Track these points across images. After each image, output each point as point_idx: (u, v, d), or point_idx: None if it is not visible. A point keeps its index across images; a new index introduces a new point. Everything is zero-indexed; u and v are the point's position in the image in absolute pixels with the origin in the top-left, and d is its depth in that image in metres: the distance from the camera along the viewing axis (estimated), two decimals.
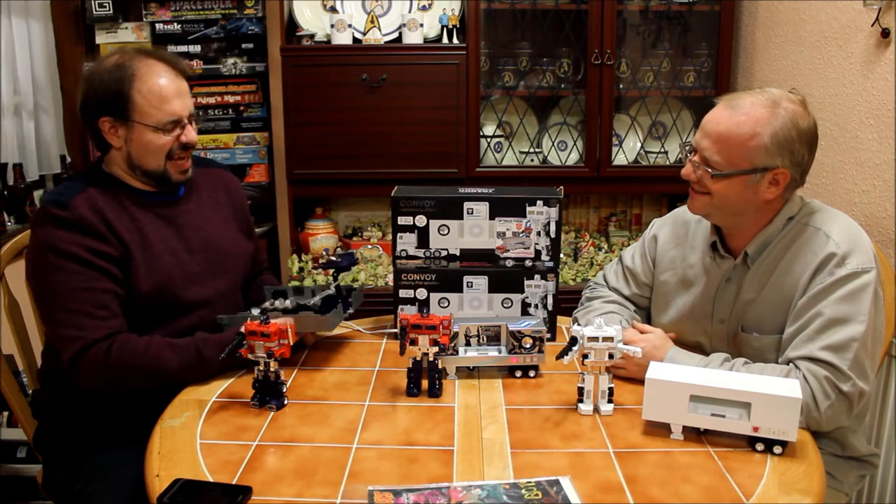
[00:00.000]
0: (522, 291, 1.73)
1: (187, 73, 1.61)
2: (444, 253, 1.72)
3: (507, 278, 1.72)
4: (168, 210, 1.64)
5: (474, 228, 1.71)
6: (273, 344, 1.37)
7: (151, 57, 1.56)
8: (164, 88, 1.54)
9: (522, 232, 1.70)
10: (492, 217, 1.70)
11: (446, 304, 1.74)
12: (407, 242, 1.72)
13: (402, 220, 1.71)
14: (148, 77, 1.53)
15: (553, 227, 1.69)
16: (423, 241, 1.72)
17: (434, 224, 1.71)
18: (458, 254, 1.72)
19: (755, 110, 1.40)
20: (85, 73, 1.59)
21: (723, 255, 1.55)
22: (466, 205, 1.69)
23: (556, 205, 1.68)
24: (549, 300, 1.74)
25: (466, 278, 1.73)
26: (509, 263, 1.72)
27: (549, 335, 1.74)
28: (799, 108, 1.41)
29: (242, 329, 1.38)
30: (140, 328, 1.53)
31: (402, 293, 1.74)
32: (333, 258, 1.47)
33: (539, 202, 1.68)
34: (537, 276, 1.72)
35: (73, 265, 1.47)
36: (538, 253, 1.71)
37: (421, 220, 1.70)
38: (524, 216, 1.69)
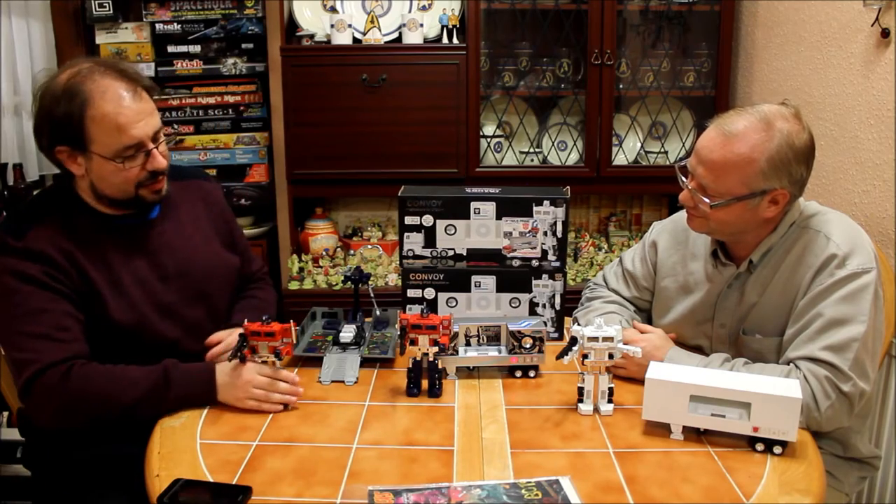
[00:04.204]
0: (530, 291, 1.74)
1: (150, 88, 1.44)
2: (450, 252, 1.73)
3: (514, 278, 1.73)
4: (140, 234, 1.51)
5: (481, 228, 1.71)
6: (277, 343, 1.37)
7: (106, 75, 1.38)
8: (120, 114, 1.37)
9: (529, 232, 1.70)
10: (498, 217, 1.70)
11: (454, 304, 1.75)
12: (414, 242, 1.72)
13: (409, 220, 1.71)
14: (101, 102, 1.36)
15: (560, 227, 1.70)
16: (430, 240, 1.72)
17: (441, 224, 1.71)
18: (464, 253, 1.73)
19: (749, 135, 1.38)
20: (36, 92, 1.40)
21: (724, 262, 1.55)
22: (473, 205, 1.69)
23: (562, 205, 1.69)
24: (557, 300, 1.74)
25: (474, 278, 1.73)
26: (516, 263, 1.72)
27: (556, 334, 1.75)
28: (794, 125, 1.39)
29: (241, 330, 1.38)
30: (115, 363, 1.41)
31: (410, 293, 1.74)
32: (348, 273, 1.48)
33: (546, 202, 1.68)
34: (545, 276, 1.73)
35: (30, 287, 1.36)
36: (545, 253, 1.71)
37: (428, 220, 1.71)
38: (531, 216, 1.69)
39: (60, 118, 1.36)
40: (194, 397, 1.39)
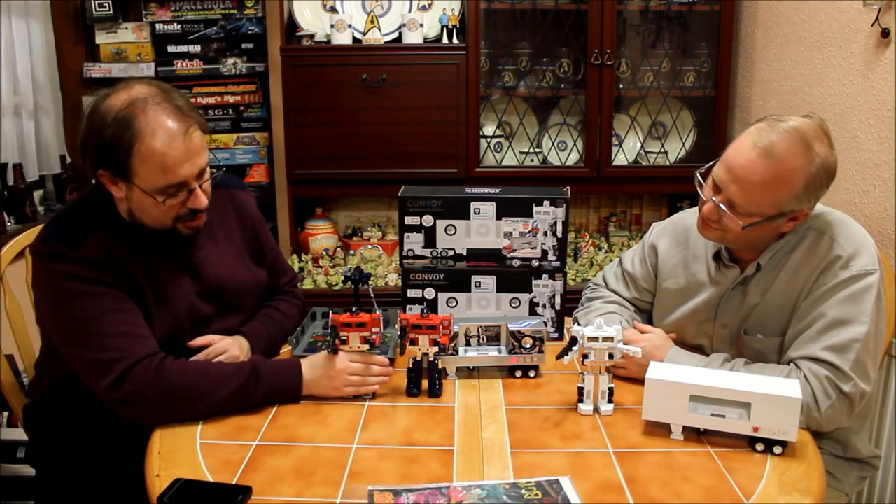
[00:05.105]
0: (530, 291, 1.74)
1: (202, 125, 1.41)
2: (450, 253, 1.73)
3: (514, 278, 1.73)
4: (181, 250, 1.50)
5: (481, 228, 1.71)
6: (368, 333, 1.40)
7: (160, 111, 1.33)
8: (167, 154, 1.33)
9: (529, 232, 1.70)
10: (498, 217, 1.70)
11: (454, 304, 1.75)
12: (414, 242, 1.72)
13: (409, 220, 1.71)
14: (151, 140, 1.32)
15: (560, 227, 1.70)
16: (430, 240, 1.72)
17: (441, 224, 1.71)
18: (464, 253, 1.73)
19: (792, 160, 1.35)
20: (88, 107, 1.38)
21: (727, 264, 1.54)
22: (473, 205, 1.70)
23: (562, 205, 1.69)
24: (557, 300, 1.74)
25: (475, 278, 1.73)
26: (516, 263, 1.73)
27: (556, 334, 1.75)
28: (826, 146, 1.37)
29: (331, 322, 1.41)
30: None
31: (411, 293, 1.74)
32: (348, 273, 1.47)
33: (546, 202, 1.69)
34: (545, 276, 1.73)
35: (100, 288, 1.35)
36: (545, 253, 1.72)
37: (428, 220, 1.71)
38: (531, 216, 1.70)
39: (107, 145, 1.33)
40: (282, 394, 1.41)
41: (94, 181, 1.45)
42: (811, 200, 1.39)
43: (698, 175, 1.49)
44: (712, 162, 1.47)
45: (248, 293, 1.63)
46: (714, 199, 1.42)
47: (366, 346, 1.42)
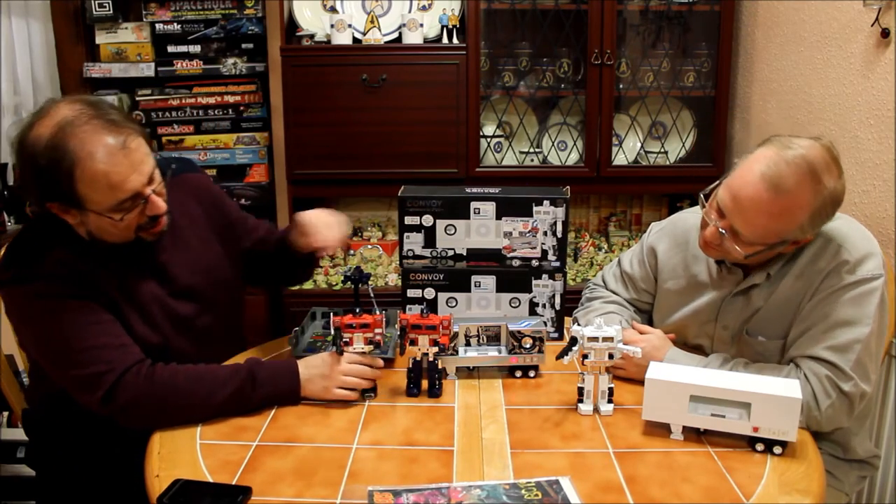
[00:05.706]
0: (530, 291, 1.74)
1: (138, 130, 1.34)
2: (450, 252, 1.73)
3: (514, 278, 1.73)
4: (146, 254, 1.45)
5: (481, 228, 1.71)
6: (372, 334, 1.40)
7: (90, 129, 1.26)
8: (111, 173, 1.27)
9: (529, 232, 1.70)
10: (498, 217, 1.70)
11: (454, 304, 1.75)
12: (414, 242, 1.72)
13: (408, 220, 1.71)
14: (90, 162, 1.26)
15: (560, 227, 1.70)
16: (430, 240, 1.72)
17: (441, 224, 1.71)
18: (464, 253, 1.73)
19: (800, 194, 1.31)
20: (14, 140, 1.30)
21: (730, 267, 1.53)
22: (473, 204, 1.70)
23: (562, 205, 1.69)
24: (557, 300, 1.74)
25: (474, 278, 1.73)
26: (516, 263, 1.73)
27: (556, 334, 1.75)
28: (835, 177, 1.34)
29: (334, 324, 1.42)
30: None
31: (411, 293, 1.74)
32: (348, 273, 1.46)
33: (546, 202, 1.69)
34: (545, 276, 1.73)
35: (72, 302, 1.32)
36: (545, 253, 1.72)
37: (428, 220, 1.71)
38: (531, 216, 1.70)
39: (47, 178, 1.27)
40: (279, 396, 1.40)
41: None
42: (815, 229, 1.39)
43: (701, 196, 1.47)
44: (716, 182, 1.44)
45: (220, 282, 1.59)
46: (717, 224, 1.40)
47: (369, 347, 1.42)
